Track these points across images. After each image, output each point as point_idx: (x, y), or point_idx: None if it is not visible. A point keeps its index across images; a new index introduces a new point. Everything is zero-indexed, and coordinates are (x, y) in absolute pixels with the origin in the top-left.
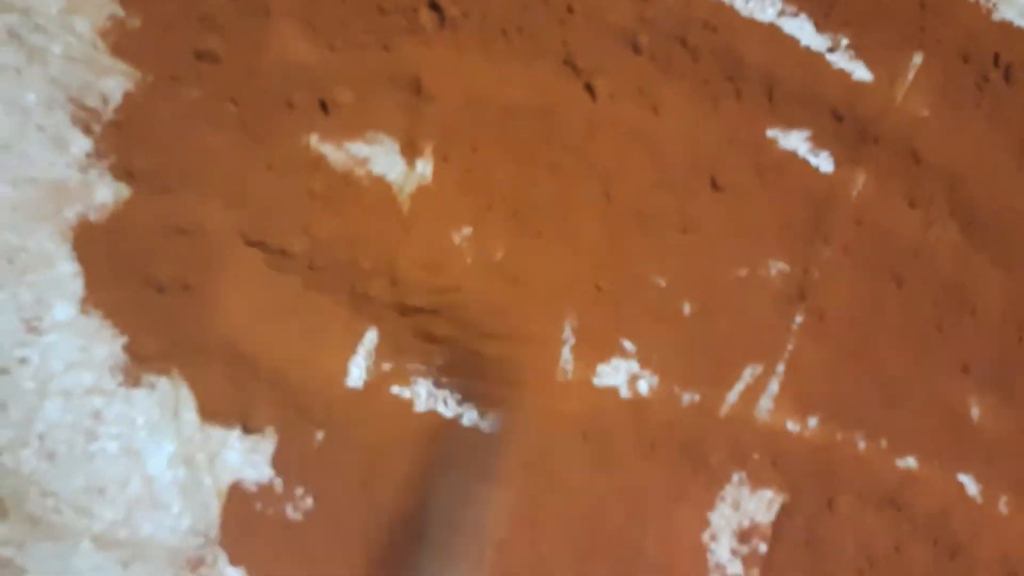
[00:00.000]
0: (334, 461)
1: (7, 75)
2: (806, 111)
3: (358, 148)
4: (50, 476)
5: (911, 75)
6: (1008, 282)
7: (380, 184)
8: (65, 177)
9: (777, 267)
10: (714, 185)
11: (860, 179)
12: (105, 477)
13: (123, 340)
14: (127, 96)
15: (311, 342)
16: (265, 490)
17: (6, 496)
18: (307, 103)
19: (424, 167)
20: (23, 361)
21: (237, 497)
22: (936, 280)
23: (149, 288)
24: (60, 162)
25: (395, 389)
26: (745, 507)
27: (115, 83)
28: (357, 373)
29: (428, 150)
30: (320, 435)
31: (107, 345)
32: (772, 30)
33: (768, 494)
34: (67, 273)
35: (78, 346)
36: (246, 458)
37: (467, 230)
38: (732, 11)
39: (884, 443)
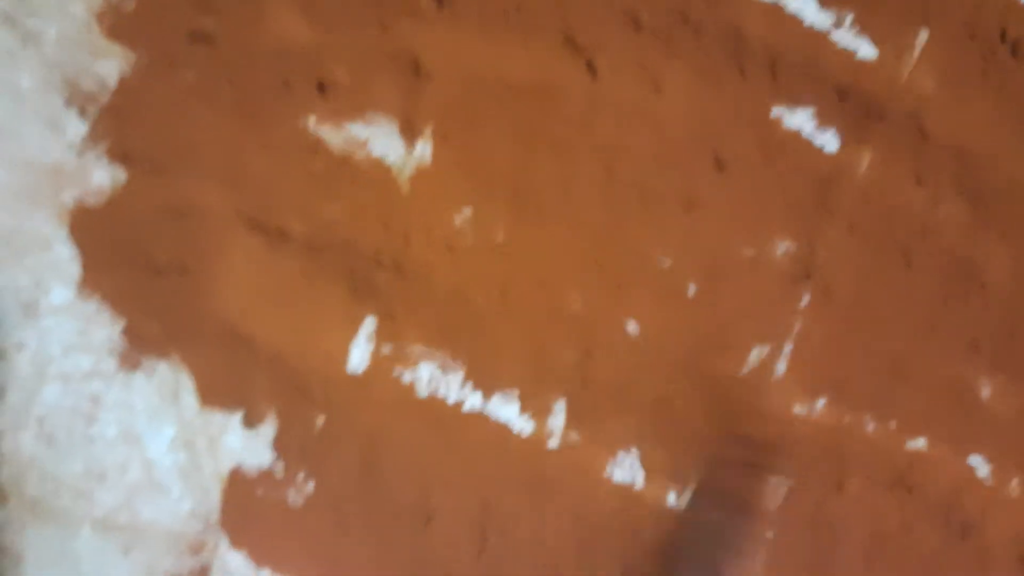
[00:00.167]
0: (335, 445)
1: (2, 59)
2: (811, 89)
3: (357, 129)
4: (49, 461)
5: (917, 52)
6: (1017, 259)
7: (379, 165)
8: (61, 160)
9: (783, 246)
10: (718, 163)
11: (866, 157)
12: (105, 462)
13: (121, 324)
14: (123, 79)
15: (311, 325)
16: (266, 475)
17: (5, 481)
18: (304, 84)
19: (423, 148)
20: (21, 345)
21: (238, 482)
22: (944, 258)
23: (147, 271)
24: (56, 145)
25: (397, 372)
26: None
27: (110, 66)
28: (358, 356)
29: (427, 131)
30: (321, 419)
31: (105, 329)
32: (775, 7)
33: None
34: (64, 256)
35: (76, 330)
36: (247, 443)
37: (468, 211)
38: None
39: (893, 424)
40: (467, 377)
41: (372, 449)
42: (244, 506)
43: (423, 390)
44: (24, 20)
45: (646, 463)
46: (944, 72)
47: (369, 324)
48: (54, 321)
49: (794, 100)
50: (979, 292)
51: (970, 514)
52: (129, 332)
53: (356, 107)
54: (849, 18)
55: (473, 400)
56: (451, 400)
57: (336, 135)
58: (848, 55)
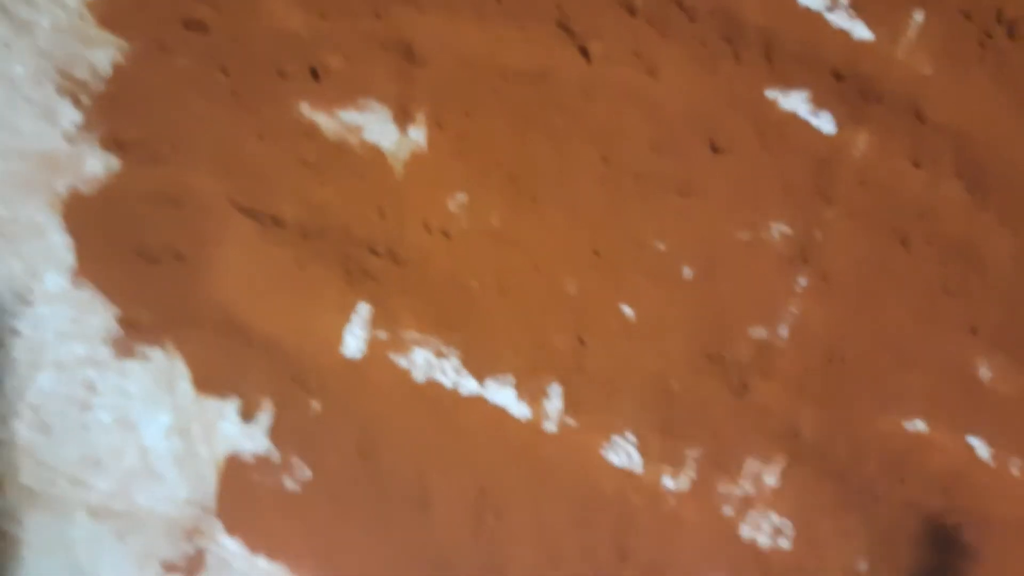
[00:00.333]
0: (331, 431)
1: None
2: (806, 71)
3: (350, 116)
4: (44, 448)
5: (912, 33)
6: (1016, 241)
7: (373, 151)
8: (55, 149)
9: (779, 229)
10: (713, 147)
11: (862, 139)
12: (100, 448)
13: (115, 311)
14: (116, 67)
15: (305, 311)
16: (262, 461)
17: (0, 469)
18: (298, 71)
19: (417, 134)
20: (15, 332)
21: (234, 468)
22: (942, 240)
23: (141, 258)
24: (50, 134)
25: (392, 358)
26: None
27: (103, 54)
28: (353, 342)
29: (421, 116)
30: (316, 405)
31: (99, 316)
32: None
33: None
34: (58, 244)
35: (70, 317)
36: (243, 429)
37: (462, 196)
38: None
39: (892, 406)
40: (462, 362)
41: (368, 434)
42: (240, 492)
43: (419, 375)
44: (17, 10)
45: (643, 446)
46: (940, 53)
47: (364, 310)
48: (48, 309)
49: (789, 83)
50: (978, 274)
51: (971, 496)
52: (123, 319)
53: (350, 93)
54: (844, 0)
55: (469, 385)
56: (447, 385)
57: (330, 121)
58: (843, 36)
